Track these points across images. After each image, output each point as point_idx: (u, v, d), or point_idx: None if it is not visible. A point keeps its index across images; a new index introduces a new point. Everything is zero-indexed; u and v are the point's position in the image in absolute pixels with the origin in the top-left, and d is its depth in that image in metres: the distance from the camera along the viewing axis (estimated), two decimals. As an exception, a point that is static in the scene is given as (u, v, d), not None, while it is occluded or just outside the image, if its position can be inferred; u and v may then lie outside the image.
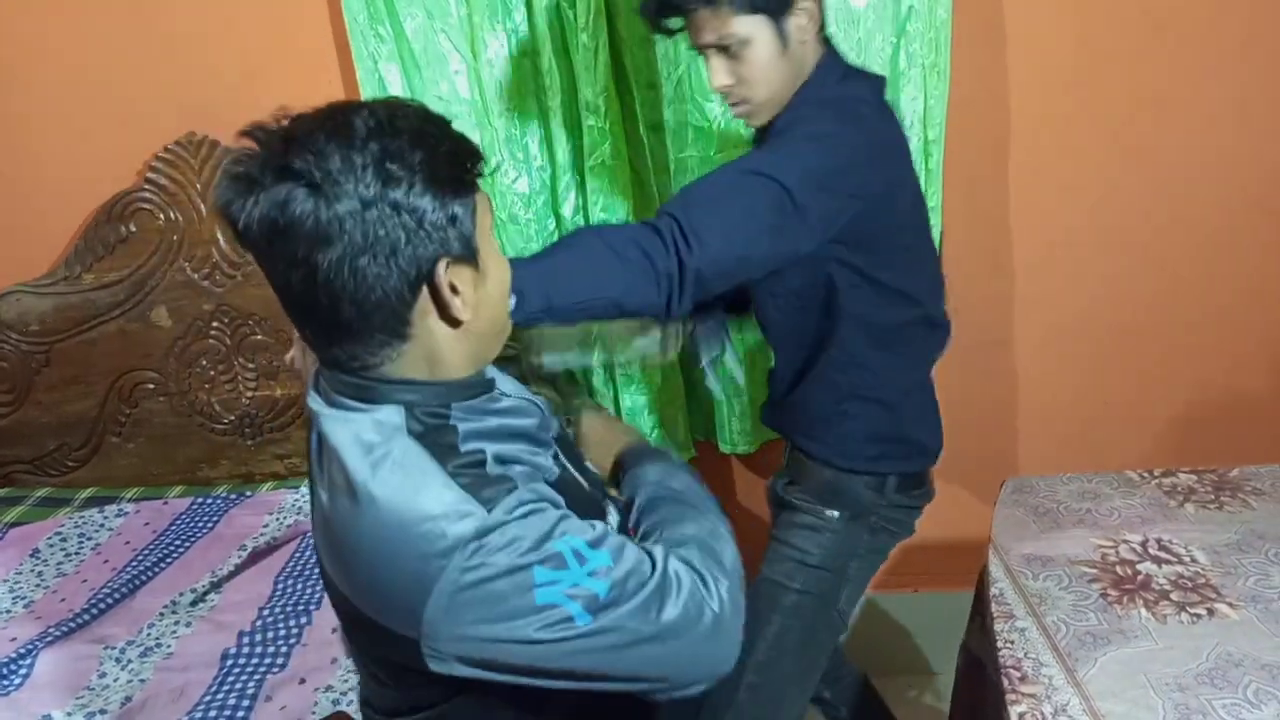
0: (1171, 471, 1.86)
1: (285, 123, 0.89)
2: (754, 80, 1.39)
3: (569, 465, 1.10)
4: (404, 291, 0.90)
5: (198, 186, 2.14)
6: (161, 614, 1.82)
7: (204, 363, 2.27)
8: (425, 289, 0.92)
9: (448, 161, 0.90)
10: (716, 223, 1.26)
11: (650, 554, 0.96)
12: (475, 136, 2.03)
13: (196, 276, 2.20)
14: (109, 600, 1.84)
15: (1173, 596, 1.51)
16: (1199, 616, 1.46)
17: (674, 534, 1.05)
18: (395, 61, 2.01)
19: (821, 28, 1.43)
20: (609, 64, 1.97)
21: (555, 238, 2.14)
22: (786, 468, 1.69)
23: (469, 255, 0.93)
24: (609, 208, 2.06)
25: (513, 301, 1.06)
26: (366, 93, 2.01)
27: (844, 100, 1.41)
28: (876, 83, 1.48)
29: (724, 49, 1.38)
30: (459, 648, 0.90)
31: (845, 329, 1.49)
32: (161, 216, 2.16)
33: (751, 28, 1.36)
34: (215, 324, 2.23)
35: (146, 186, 2.15)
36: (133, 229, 2.18)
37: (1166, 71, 1.97)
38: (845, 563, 1.59)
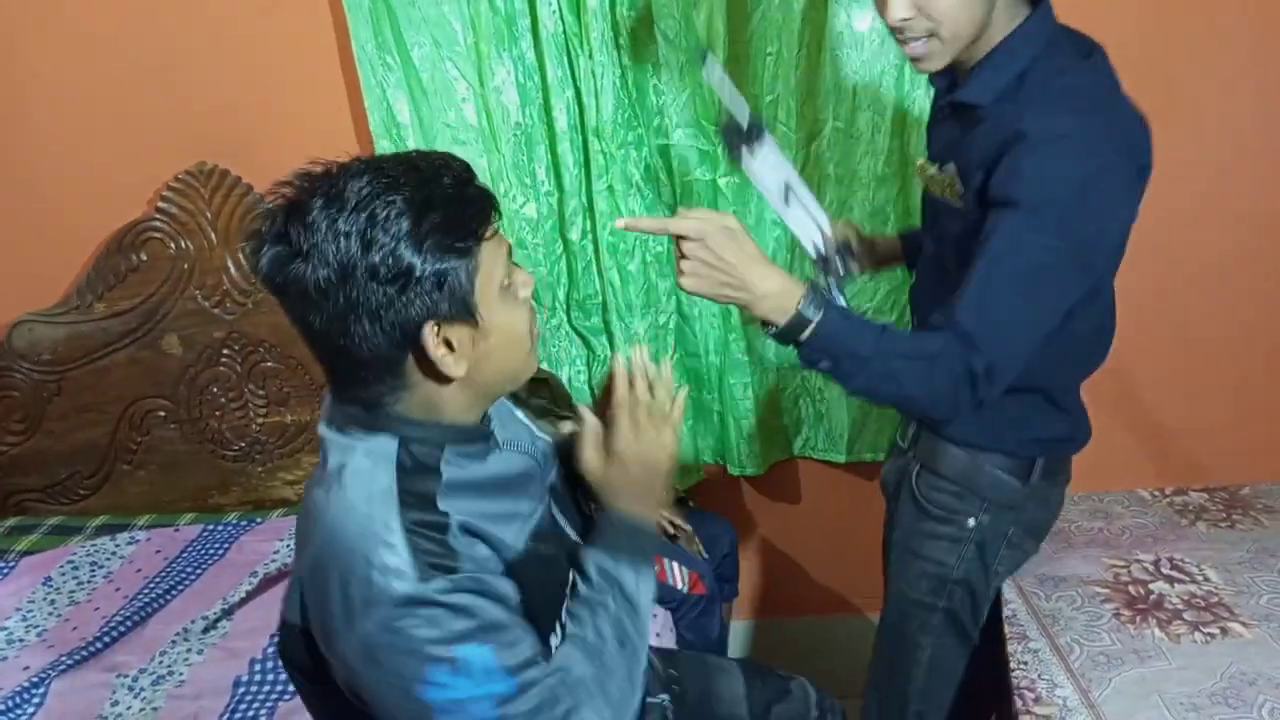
0: (1182, 490, 1.86)
1: (297, 182, 0.95)
2: (942, 14, 1.20)
3: (558, 515, 1.12)
4: (392, 350, 0.94)
5: (208, 215, 2.16)
6: (174, 641, 1.82)
7: (215, 390, 2.28)
8: (412, 349, 0.95)
9: (442, 226, 0.92)
10: (1016, 342, 1.22)
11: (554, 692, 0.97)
12: (482, 163, 2.07)
13: (207, 304, 2.22)
14: (121, 628, 1.84)
15: (1186, 616, 1.50)
16: (1212, 636, 1.45)
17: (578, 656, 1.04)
18: (403, 90, 2.03)
19: None
20: (616, 89, 1.99)
21: (563, 263, 2.15)
22: (911, 450, 1.54)
23: (464, 314, 0.95)
24: (617, 231, 2.08)
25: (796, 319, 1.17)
26: (374, 120, 2.03)
27: (1080, 90, 1.22)
28: (1093, 45, 1.28)
29: None
30: (350, 673, 0.95)
31: None
32: (172, 245, 2.18)
33: None
34: (226, 351, 2.25)
35: (157, 215, 2.17)
36: (144, 258, 2.19)
37: (1167, 90, 1.98)
38: (990, 568, 1.51)
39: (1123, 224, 1.25)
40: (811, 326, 1.22)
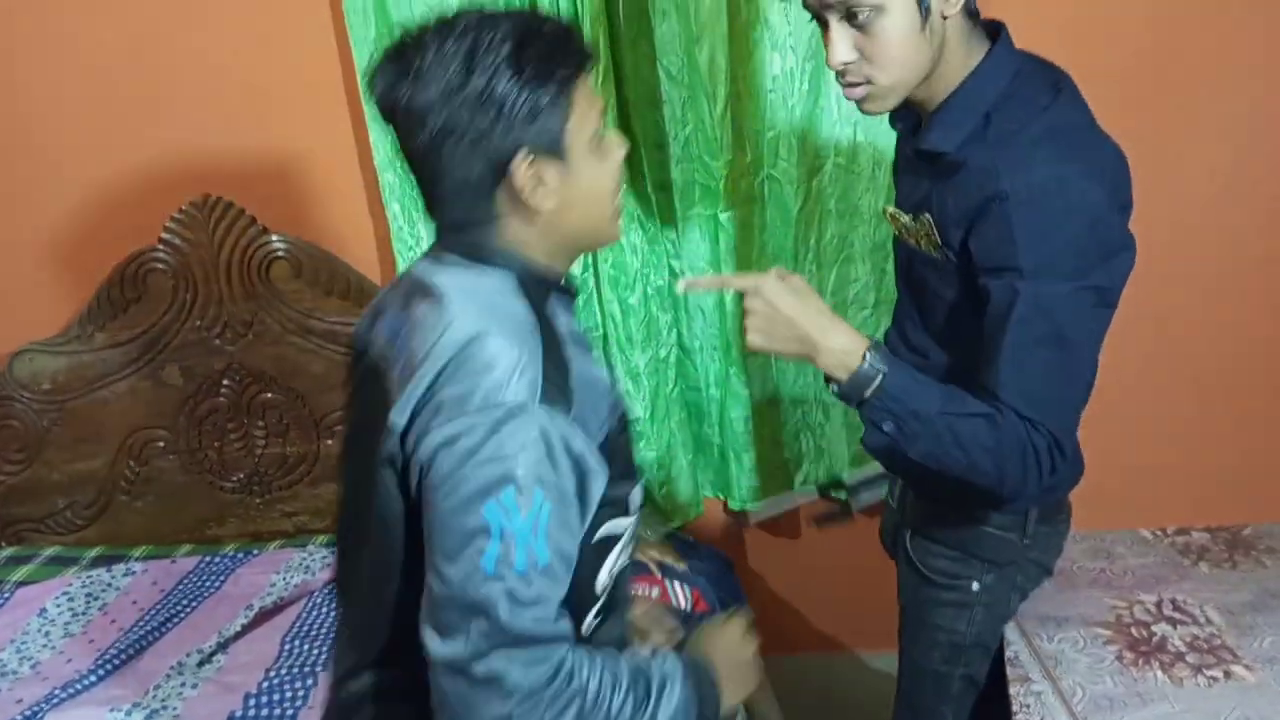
0: (1184, 530, 1.85)
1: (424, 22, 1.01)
2: (882, 59, 1.17)
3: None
4: (485, 176, 0.99)
5: (211, 247, 2.16)
6: (168, 675, 1.81)
7: (214, 421, 2.27)
8: (504, 176, 0.99)
9: (539, 56, 0.97)
10: (1069, 407, 1.21)
11: (570, 653, 0.97)
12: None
13: (208, 335, 2.22)
14: (116, 661, 1.83)
15: (1188, 659, 1.49)
16: (1215, 679, 1.44)
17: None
18: (407, 124, 2.03)
19: (965, 2, 1.19)
20: (617, 125, 2.00)
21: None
22: (903, 511, 1.53)
23: (553, 149, 1.00)
24: (618, 265, 2.08)
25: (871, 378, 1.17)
26: (379, 155, 2.04)
27: (1054, 134, 1.18)
28: (1060, 75, 1.26)
29: (851, 16, 1.16)
30: (420, 469, 0.96)
31: None
32: (175, 277, 2.18)
33: None
34: (226, 382, 2.25)
35: (161, 247, 2.17)
36: (146, 289, 2.20)
37: (1158, 128, 1.99)
38: (1000, 623, 1.49)
39: (1127, 259, 1.22)
40: (877, 381, 1.18)
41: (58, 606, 2.03)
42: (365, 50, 1.97)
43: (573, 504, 0.98)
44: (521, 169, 0.98)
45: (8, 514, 2.34)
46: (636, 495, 1.13)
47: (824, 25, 1.20)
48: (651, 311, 2.14)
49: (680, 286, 1.31)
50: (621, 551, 1.12)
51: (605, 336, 2.15)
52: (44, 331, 2.26)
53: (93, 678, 1.79)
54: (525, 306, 1.02)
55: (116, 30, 2.09)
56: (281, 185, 2.17)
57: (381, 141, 2.04)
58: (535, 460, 0.94)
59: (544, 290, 1.06)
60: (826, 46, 1.20)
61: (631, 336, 2.13)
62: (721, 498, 2.35)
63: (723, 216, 2.08)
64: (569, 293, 1.12)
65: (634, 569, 1.84)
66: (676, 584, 1.89)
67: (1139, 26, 1.94)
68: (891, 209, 1.37)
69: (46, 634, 1.96)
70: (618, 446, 1.08)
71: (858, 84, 1.21)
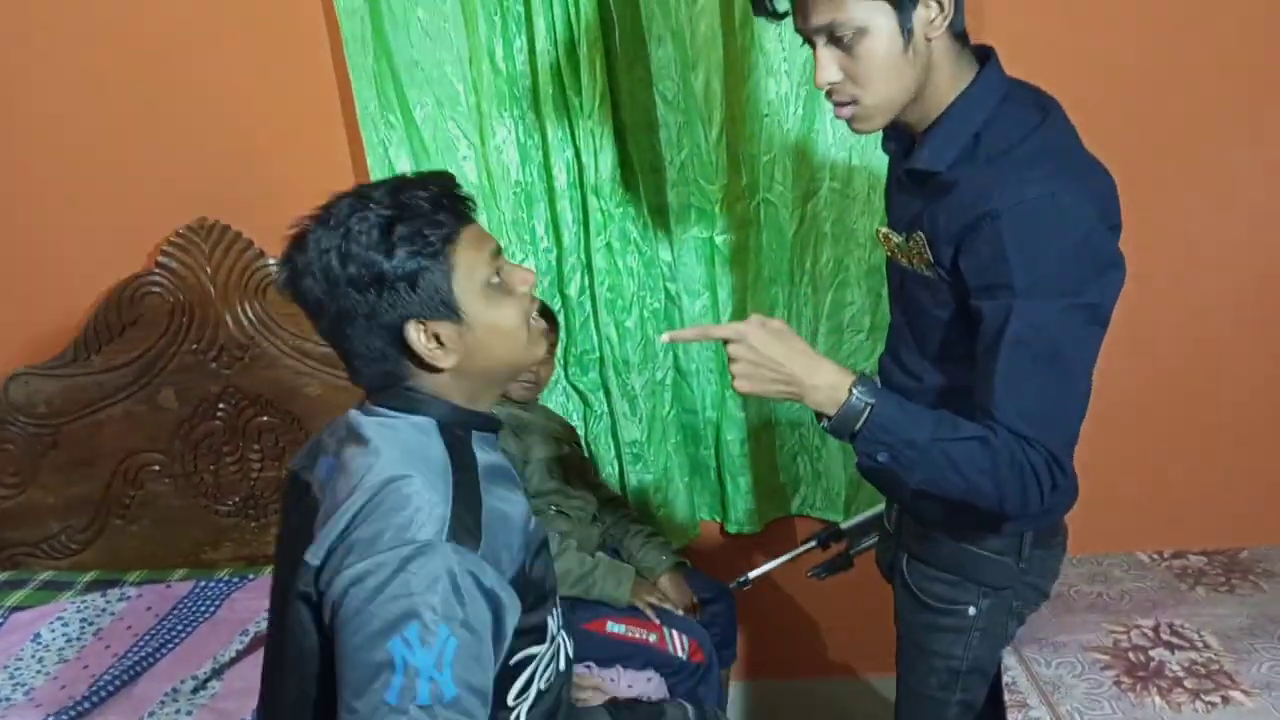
0: (1181, 553, 1.85)
1: (314, 211, 1.10)
2: (867, 80, 1.20)
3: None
4: (386, 347, 1.08)
5: (208, 270, 2.17)
6: (163, 702, 1.80)
7: (210, 444, 2.27)
8: (402, 346, 1.07)
9: (409, 232, 1.04)
10: (1067, 423, 1.20)
11: None
12: (482, 220, 2.07)
13: (204, 359, 2.22)
14: (110, 688, 1.82)
15: (1186, 684, 1.49)
16: (1214, 705, 1.44)
17: None
18: (405, 148, 2.05)
19: (954, 23, 1.20)
20: (614, 148, 2.01)
21: (561, 319, 2.15)
22: (899, 536, 1.52)
23: (443, 310, 1.07)
24: (615, 288, 2.09)
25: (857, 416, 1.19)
26: (374, 176, 2.05)
27: (1044, 153, 1.19)
28: (1048, 99, 1.27)
29: (836, 39, 1.19)
30: (331, 606, 1.01)
31: None
32: (171, 300, 2.19)
33: (871, 15, 1.16)
34: (222, 406, 2.24)
35: (157, 270, 2.18)
36: (142, 312, 2.20)
37: (1161, 153, 2.00)
38: (997, 648, 1.48)
39: (1117, 277, 1.23)
40: (866, 414, 1.19)
41: (52, 632, 2.02)
42: (365, 76, 1.98)
43: (484, 638, 1.01)
44: (416, 336, 1.06)
45: (2, 538, 2.33)
46: (552, 621, 1.17)
47: (813, 46, 1.23)
48: (648, 334, 2.15)
49: (663, 338, 1.33)
50: (541, 673, 1.16)
51: (602, 359, 2.16)
52: (40, 355, 2.26)
53: (87, 704, 1.78)
54: (442, 449, 1.08)
55: (117, 56, 2.10)
56: (278, 209, 2.15)
57: (379, 166, 2.04)
58: (441, 596, 0.97)
59: (465, 430, 1.13)
60: (815, 66, 1.23)
61: (628, 359, 2.13)
62: (718, 520, 2.35)
63: (718, 240, 2.09)
64: (492, 429, 1.19)
65: (631, 613, 1.85)
66: (674, 633, 1.88)
67: (1131, 56, 1.95)
68: (884, 229, 1.38)
69: (40, 659, 1.95)
70: (531, 579, 1.12)
71: (845, 103, 1.24)
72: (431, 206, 1.06)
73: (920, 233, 1.27)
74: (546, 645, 1.16)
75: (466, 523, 1.02)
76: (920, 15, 1.17)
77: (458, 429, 1.12)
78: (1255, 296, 2.09)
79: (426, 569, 0.97)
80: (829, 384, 1.21)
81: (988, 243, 1.17)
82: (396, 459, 1.05)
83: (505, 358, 1.14)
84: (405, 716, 0.95)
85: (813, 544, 1.87)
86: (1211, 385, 2.15)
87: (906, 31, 1.17)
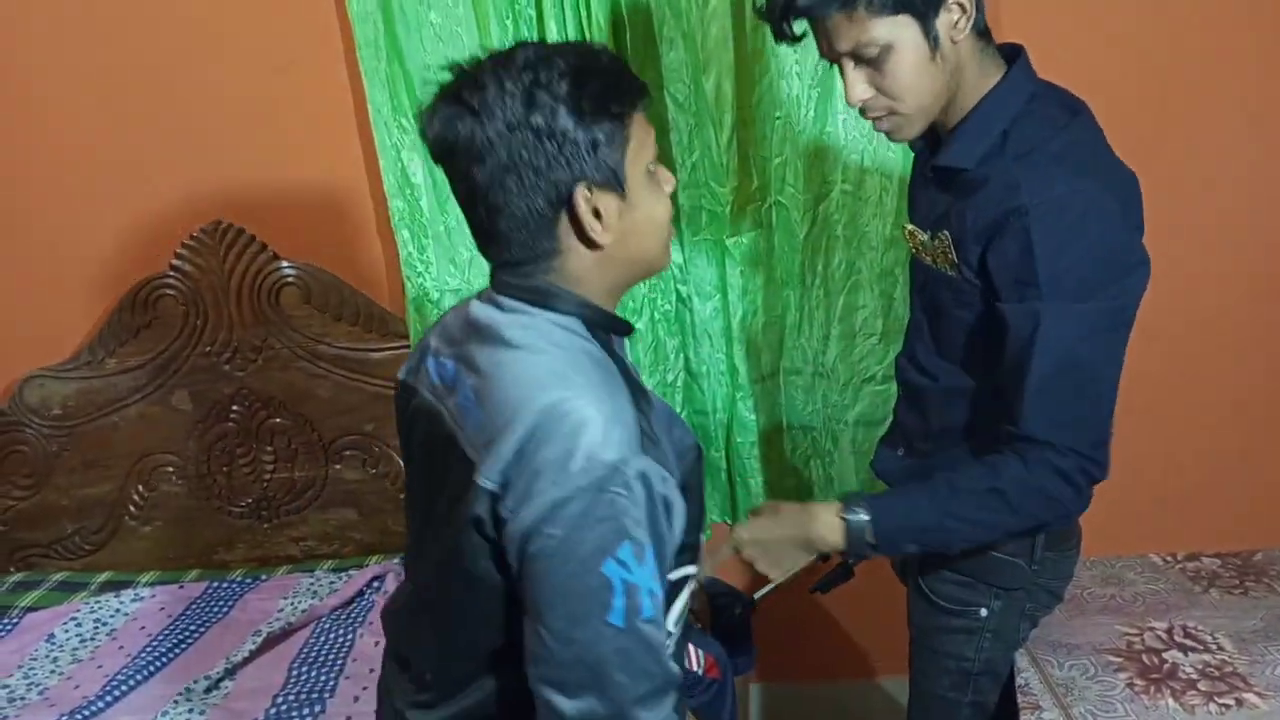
0: (1195, 555, 1.85)
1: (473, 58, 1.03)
2: (900, 92, 1.20)
3: None
4: (546, 209, 1.00)
5: (222, 273, 2.18)
6: (175, 701, 1.80)
7: (223, 446, 2.28)
8: (565, 209, 1.00)
9: (597, 92, 0.98)
10: (1096, 426, 1.21)
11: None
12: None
13: (218, 361, 2.23)
14: (123, 688, 1.83)
15: (1200, 686, 1.48)
16: (1227, 707, 1.44)
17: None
18: (418, 151, 2.05)
19: (976, 22, 1.20)
20: (625, 152, 2.01)
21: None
22: None
23: (612, 182, 1.00)
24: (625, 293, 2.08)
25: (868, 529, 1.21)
26: (389, 181, 2.06)
27: (1072, 152, 1.20)
28: (1077, 101, 1.28)
29: (860, 57, 1.20)
30: (523, 535, 0.95)
31: None
32: (185, 302, 2.20)
33: (894, 31, 1.16)
34: (235, 407, 2.25)
35: (171, 273, 2.19)
36: (156, 314, 2.21)
37: (1171, 153, 2.00)
38: (1009, 650, 1.48)
39: (1142, 276, 1.23)
40: (870, 529, 1.21)
41: (66, 632, 2.04)
42: (378, 80, 1.99)
43: (666, 543, 1.00)
44: (582, 201, 0.99)
45: (16, 539, 2.34)
46: (702, 541, 1.16)
47: (840, 67, 1.23)
48: (659, 336, 2.15)
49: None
50: (689, 598, 1.14)
51: (613, 362, 2.16)
52: (54, 357, 2.27)
53: (100, 704, 1.79)
54: (601, 351, 1.03)
55: (132, 61, 2.11)
56: (292, 212, 2.19)
57: (391, 169, 2.05)
58: (646, 510, 0.95)
59: (607, 331, 1.07)
60: (845, 86, 1.23)
61: (639, 361, 2.13)
62: (730, 523, 2.35)
63: (729, 242, 2.09)
64: (625, 331, 1.12)
65: None
66: (691, 647, 1.87)
67: (1159, 57, 1.95)
68: (910, 226, 1.38)
69: (55, 660, 1.96)
70: (691, 485, 1.10)
71: (881, 117, 1.25)
72: (617, 74, 1.01)
73: (946, 232, 1.27)
74: (694, 570, 1.13)
75: (647, 430, 0.99)
76: (943, 20, 1.18)
77: (602, 329, 1.05)
78: (1270, 298, 2.08)
79: (629, 486, 0.94)
80: (825, 523, 1.26)
81: (1015, 239, 1.17)
82: (560, 367, 0.99)
83: (649, 251, 1.07)
84: (634, 635, 0.94)
85: (813, 557, 1.87)
86: (1225, 387, 2.14)
87: (932, 39, 1.17)
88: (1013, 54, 1.27)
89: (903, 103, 1.21)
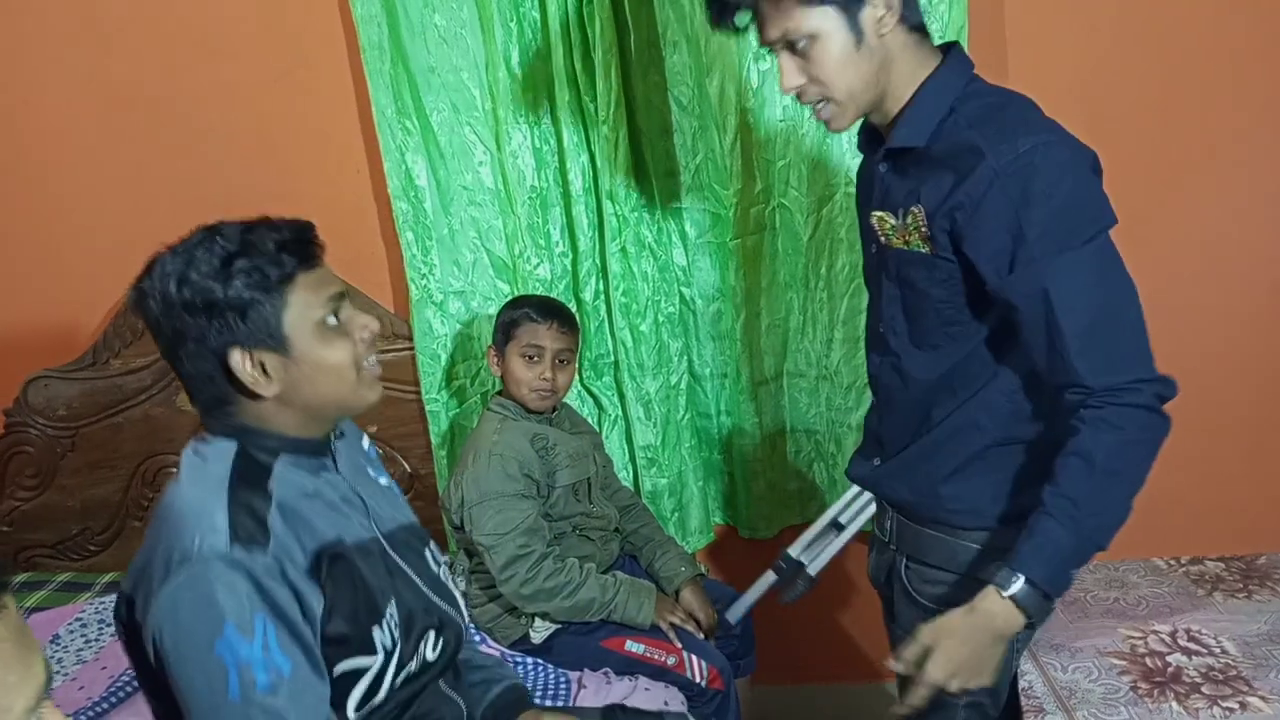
0: (1199, 559, 1.84)
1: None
2: (827, 79, 1.26)
3: (392, 552, 1.25)
4: (213, 370, 1.12)
5: (226, 274, 2.18)
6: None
7: (227, 447, 2.28)
8: (225, 370, 1.12)
9: (246, 267, 1.10)
10: (1142, 346, 1.22)
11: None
12: (498, 224, 2.09)
13: (222, 362, 2.23)
14: (128, 689, 1.83)
15: (1204, 689, 1.48)
16: (1231, 710, 1.43)
17: None
18: (422, 153, 2.06)
19: (905, 18, 1.25)
20: (629, 154, 2.02)
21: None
22: (898, 541, 1.48)
23: (271, 343, 1.12)
24: (629, 292, 2.09)
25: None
26: (393, 183, 2.06)
27: (1025, 114, 1.24)
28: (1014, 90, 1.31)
29: (791, 46, 1.26)
30: (156, 630, 1.04)
31: (1027, 359, 1.28)
32: (189, 303, 2.20)
33: (819, 21, 1.23)
34: (239, 409, 2.26)
35: (176, 274, 2.19)
36: (161, 315, 2.21)
37: (1179, 157, 1.99)
38: (1010, 650, 1.40)
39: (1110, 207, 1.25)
40: (1024, 586, 1.19)
41: (71, 633, 2.04)
42: (382, 82, 2.00)
43: (297, 619, 1.07)
44: (240, 363, 1.11)
45: (21, 539, 2.35)
46: (381, 636, 1.17)
47: (777, 56, 1.29)
48: (663, 339, 2.15)
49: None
50: (376, 688, 1.17)
51: (616, 363, 2.16)
52: (59, 358, 2.28)
53: (105, 704, 1.79)
54: (227, 466, 1.12)
55: (136, 61, 2.13)
56: (297, 213, 2.16)
57: (396, 171, 2.06)
58: (245, 592, 1.03)
59: (273, 454, 1.16)
60: (780, 75, 1.29)
61: (643, 363, 2.14)
62: (732, 525, 2.35)
63: (733, 244, 2.09)
64: (316, 454, 1.21)
65: (652, 633, 1.84)
66: (694, 657, 1.85)
67: (1149, 60, 1.95)
68: (878, 213, 1.36)
69: (59, 661, 1.96)
70: (348, 576, 1.15)
71: (817, 105, 1.30)
72: (276, 248, 1.12)
73: (918, 206, 1.28)
74: (378, 659, 1.16)
75: (247, 532, 1.06)
76: (868, 15, 1.23)
77: (264, 452, 1.16)
78: (1274, 301, 2.08)
79: (222, 576, 1.02)
80: (999, 613, 1.21)
81: (992, 205, 1.19)
82: (183, 482, 1.12)
83: (330, 394, 1.17)
84: (254, 706, 1.01)
85: (774, 579, 1.89)
86: (1229, 390, 2.14)
87: (856, 31, 1.23)
88: (947, 49, 1.32)
89: (832, 91, 1.27)
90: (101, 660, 1.95)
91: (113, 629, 2.01)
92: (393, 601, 1.20)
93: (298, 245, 1.15)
